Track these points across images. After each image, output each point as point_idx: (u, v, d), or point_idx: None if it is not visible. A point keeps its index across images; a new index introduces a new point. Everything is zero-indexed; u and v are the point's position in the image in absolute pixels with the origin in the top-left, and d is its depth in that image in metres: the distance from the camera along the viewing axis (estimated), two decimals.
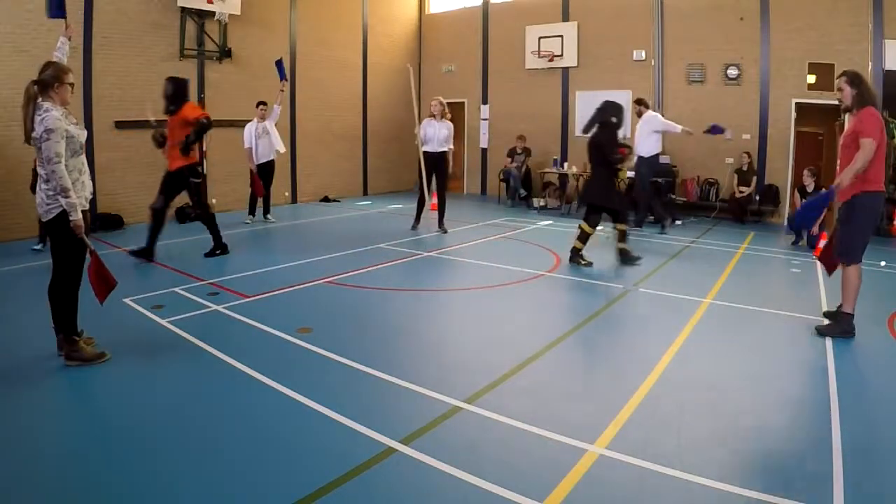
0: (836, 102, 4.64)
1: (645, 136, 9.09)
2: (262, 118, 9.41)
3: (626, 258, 6.82)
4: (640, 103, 9.37)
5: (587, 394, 3.54)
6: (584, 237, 6.81)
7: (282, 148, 9.70)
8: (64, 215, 3.62)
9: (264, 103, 9.45)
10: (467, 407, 3.27)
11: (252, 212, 9.65)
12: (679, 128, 9.23)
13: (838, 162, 4.50)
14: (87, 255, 3.89)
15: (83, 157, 3.82)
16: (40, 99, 3.59)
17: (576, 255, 6.82)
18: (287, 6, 11.67)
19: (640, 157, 9.11)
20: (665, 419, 3.16)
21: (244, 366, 3.79)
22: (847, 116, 4.54)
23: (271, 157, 9.55)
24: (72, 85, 3.74)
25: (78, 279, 3.87)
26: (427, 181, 8.80)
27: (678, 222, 10.01)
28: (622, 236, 6.87)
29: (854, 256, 4.43)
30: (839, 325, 4.50)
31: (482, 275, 6.33)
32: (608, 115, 6.70)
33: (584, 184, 6.70)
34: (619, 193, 6.90)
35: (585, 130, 6.97)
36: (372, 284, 5.85)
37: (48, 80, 3.60)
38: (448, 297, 5.79)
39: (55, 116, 3.54)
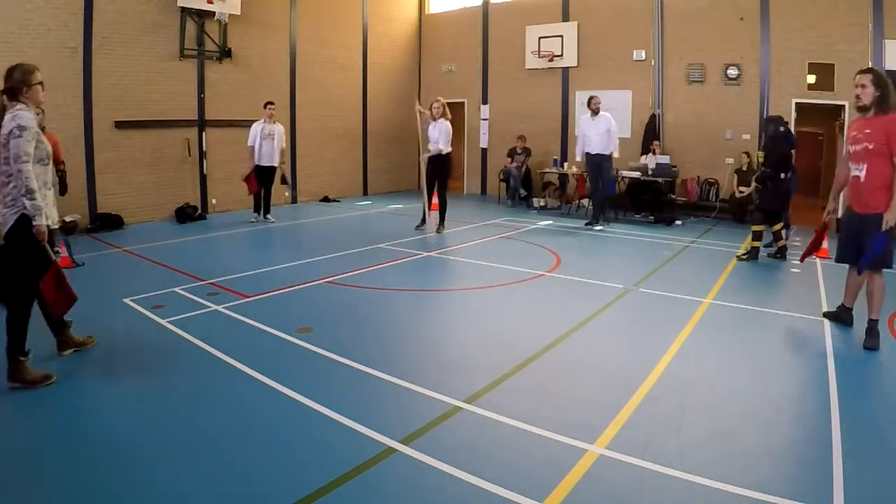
0: (834, 102, 4.58)
1: (606, 136, 9.09)
2: (270, 118, 9.37)
3: (783, 254, 7.29)
4: (595, 103, 9.25)
5: (587, 394, 3.53)
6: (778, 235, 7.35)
7: (278, 156, 9.56)
8: (25, 220, 3.35)
9: (272, 103, 9.45)
10: (467, 407, 3.27)
11: (258, 209, 9.62)
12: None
13: (863, 166, 4.22)
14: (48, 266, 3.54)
15: (49, 170, 3.59)
16: (13, 104, 3.40)
17: (783, 252, 7.27)
18: (287, 6, 11.66)
19: (603, 155, 9.13)
20: (665, 419, 3.16)
21: (244, 366, 3.79)
22: (862, 115, 4.28)
23: (273, 164, 9.43)
24: (41, 84, 3.53)
25: (35, 293, 3.54)
26: (429, 183, 8.88)
27: (678, 222, 10.04)
28: (783, 234, 7.41)
29: (887, 264, 4.29)
30: (874, 333, 4.28)
31: (482, 275, 6.33)
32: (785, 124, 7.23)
33: (769, 195, 7.22)
34: None
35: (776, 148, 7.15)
36: (372, 284, 5.85)
37: (16, 86, 3.42)
38: (448, 297, 5.79)
39: (29, 116, 3.39)
